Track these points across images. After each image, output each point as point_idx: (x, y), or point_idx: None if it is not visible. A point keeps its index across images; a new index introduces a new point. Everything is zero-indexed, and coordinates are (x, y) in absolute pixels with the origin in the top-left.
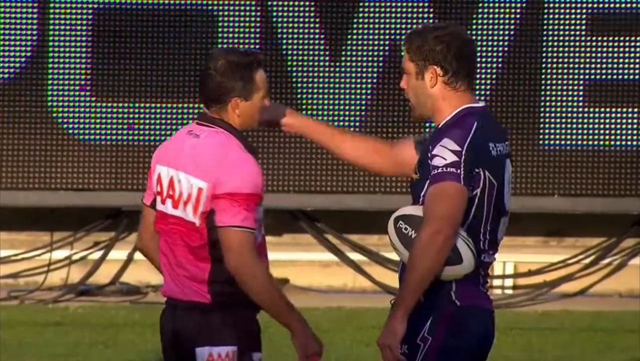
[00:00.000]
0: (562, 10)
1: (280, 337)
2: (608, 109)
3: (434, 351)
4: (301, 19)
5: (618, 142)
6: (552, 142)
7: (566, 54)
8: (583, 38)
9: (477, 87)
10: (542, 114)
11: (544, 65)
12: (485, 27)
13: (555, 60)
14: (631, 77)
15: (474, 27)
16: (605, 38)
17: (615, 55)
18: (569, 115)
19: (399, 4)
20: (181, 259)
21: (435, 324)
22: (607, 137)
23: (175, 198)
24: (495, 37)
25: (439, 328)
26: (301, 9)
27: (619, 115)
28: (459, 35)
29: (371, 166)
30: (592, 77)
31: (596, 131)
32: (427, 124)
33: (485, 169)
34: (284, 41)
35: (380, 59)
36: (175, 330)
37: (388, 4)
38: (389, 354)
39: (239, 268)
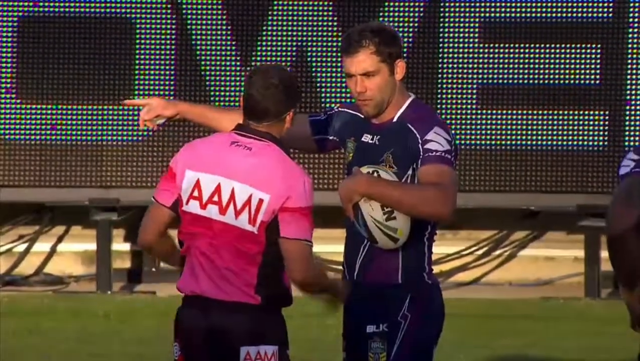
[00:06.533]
0: (457, 19)
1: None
2: (499, 111)
3: (414, 326)
4: (214, 26)
5: (509, 142)
6: None
7: (461, 60)
8: (476, 45)
9: None
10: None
11: (440, 69)
12: None
13: (450, 65)
14: (522, 81)
15: None
16: (497, 45)
17: (507, 60)
18: (463, 116)
19: (306, 10)
20: (229, 263)
21: (414, 302)
22: (498, 137)
23: (223, 205)
24: None
25: (417, 305)
26: (214, 15)
27: (509, 116)
28: None
29: None
30: (485, 81)
31: (488, 131)
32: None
33: None
34: (198, 46)
35: (289, 63)
36: (212, 329)
37: (296, 11)
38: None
39: (306, 279)
